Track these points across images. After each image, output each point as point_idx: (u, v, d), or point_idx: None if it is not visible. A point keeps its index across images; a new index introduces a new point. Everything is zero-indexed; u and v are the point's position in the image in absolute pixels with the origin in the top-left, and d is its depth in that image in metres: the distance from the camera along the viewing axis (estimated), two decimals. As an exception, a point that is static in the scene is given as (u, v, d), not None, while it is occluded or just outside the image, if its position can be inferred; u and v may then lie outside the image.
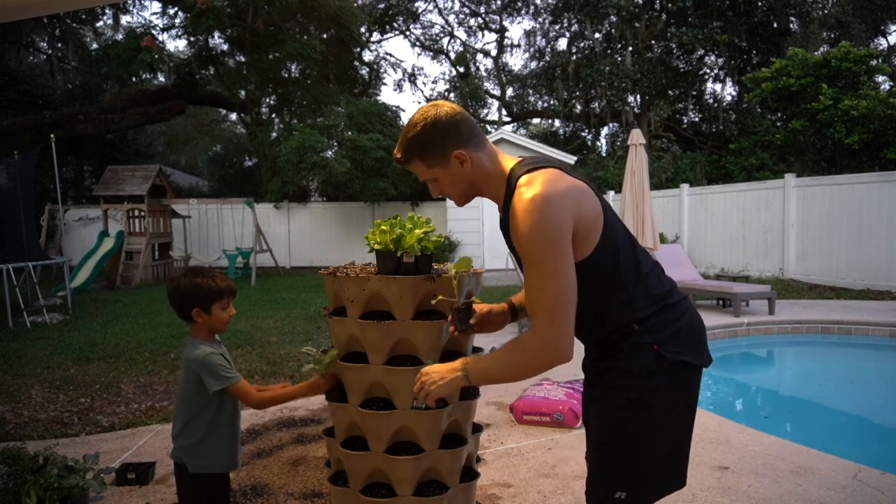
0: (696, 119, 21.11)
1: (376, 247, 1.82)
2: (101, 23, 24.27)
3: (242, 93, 18.14)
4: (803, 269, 10.17)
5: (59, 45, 24.66)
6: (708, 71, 20.12)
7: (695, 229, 12.60)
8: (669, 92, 19.17)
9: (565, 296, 1.41)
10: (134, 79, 13.64)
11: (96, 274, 12.27)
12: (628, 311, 1.50)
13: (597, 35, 20.12)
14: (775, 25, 17.97)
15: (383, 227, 1.82)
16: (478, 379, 1.50)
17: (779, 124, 15.46)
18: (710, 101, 20.86)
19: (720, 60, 19.57)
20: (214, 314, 1.97)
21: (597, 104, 20.23)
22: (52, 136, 8.93)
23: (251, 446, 3.47)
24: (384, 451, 1.87)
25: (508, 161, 1.56)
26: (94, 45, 22.48)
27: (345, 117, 15.56)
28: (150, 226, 13.63)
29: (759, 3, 17.51)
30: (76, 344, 6.45)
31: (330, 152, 14.82)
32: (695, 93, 19.97)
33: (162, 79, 20.63)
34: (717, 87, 21.30)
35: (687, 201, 12.74)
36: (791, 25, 18.40)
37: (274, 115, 19.86)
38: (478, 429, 2.14)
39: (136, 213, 13.74)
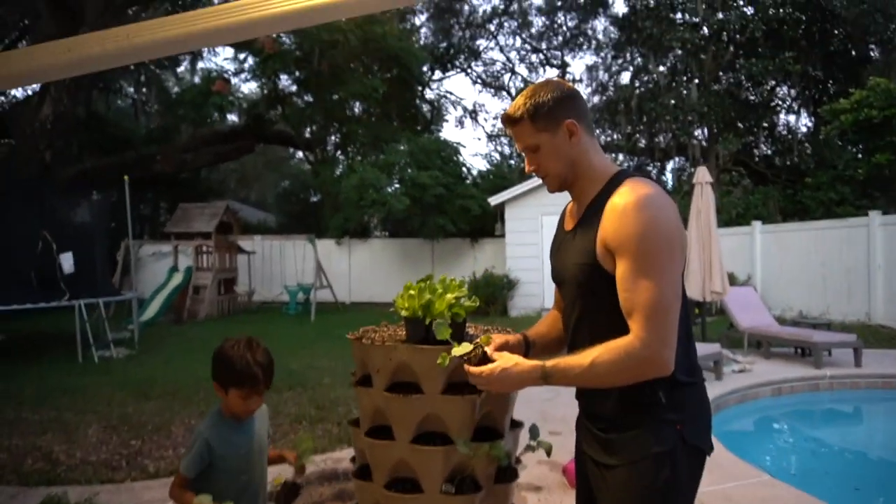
0: (769, 152, 20.22)
1: (404, 313, 1.68)
2: (181, 68, 25.82)
3: (308, 131, 18.75)
4: (893, 313, 9.35)
5: (144, 89, 26.41)
6: (780, 102, 19.32)
7: (768, 269, 11.89)
8: (739, 124, 18.48)
9: (672, 299, 1.32)
10: (207, 120, 14.30)
11: (165, 308, 12.70)
12: None
13: (661, 68, 19.74)
14: (853, 53, 17.11)
15: (411, 292, 1.68)
16: (558, 378, 1.38)
17: (860, 157, 14.56)
18: (784, 133, 19.97)
19: (793, 91, 18.76)
20: (231, 397, 1.88)
21: (661, 138, 19.74)
22: (125, 176, 9.35)
23: (290, 502, 3.35)
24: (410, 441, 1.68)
25: (609, 162, 1.53)
26: (176, 89, 23.94)
27: (406, 154, 15.76)
28: (217, 261, 14.07)
29: (836, 32, 16.75)
30: (137, 380, 6.60)
31: (389, 189, 14.99)
32: (766, 125, 19.17)
33: (235, 119, 21.65)
34: (791, 118, 20.39)
35: (759, 239, 12.08)
36: (871, 53, 17.48)
37: (338, 153, 20.38)
38: (516, 425, 1.91)
39: (204, 248, 14.24)
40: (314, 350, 8.50)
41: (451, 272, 16.19)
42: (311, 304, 13.78)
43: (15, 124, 14.92)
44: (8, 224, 8.21)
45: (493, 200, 13.97)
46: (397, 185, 15.36)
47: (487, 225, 15.99)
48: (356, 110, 19.43)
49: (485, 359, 1.48)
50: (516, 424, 1.91)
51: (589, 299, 1.47)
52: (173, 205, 20.77)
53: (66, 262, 8.18)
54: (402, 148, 16.19)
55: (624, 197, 1.35)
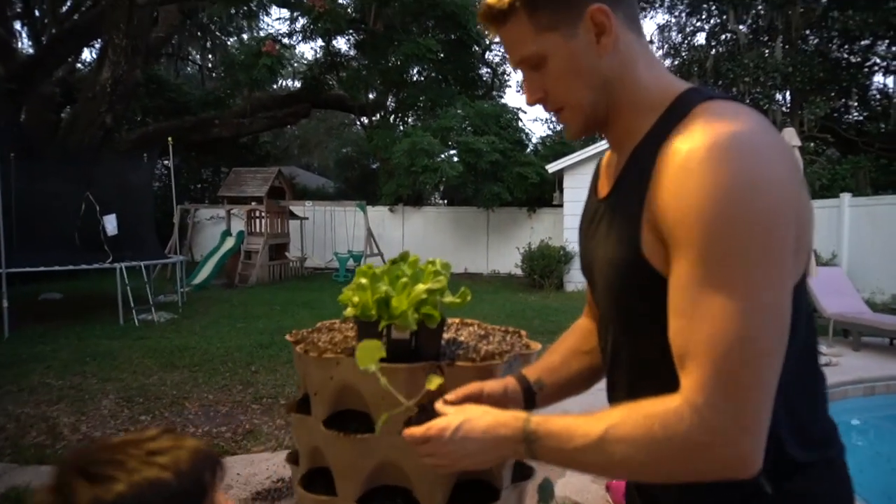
0: (860, 118, 18.35)
1: (350, 311, 1.16)
2: (245, 34, 25.89)
3: (370, 95, 18.32)
4: None
5: (210, 56, 26.77)
6: (878, 61, 17.40)
7: (857, 247, 10.69)
8: (827, 87, 16.77)
9: (769, 335, 0.72)
10: (258, 83, 14.06)
11: (217, 271, 12.73)
12: (771, 443, 0.73)
13: (741, 27, 18.12)
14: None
15: (362, 280, 1.15)
16: (549, 451, 0.83)
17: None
18: (878, 96, 18.05)
19: (894, 48, 16.84)
20: None
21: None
22: (169, 139, 9.18)
23: None
24: None
25: (672, 79, 0.91)
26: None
27: (461, 119, 15.12)
28: (268, 226, 13.97)
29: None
30: (168, 347, 6.42)
31: (443, 155, 14.42)
32: (857, 88, 17.34)
33: (292, 83, 21.49)
34: (889, 81, 18.38)
35: (848, 213, 10.86)
36: None
37: (393, 118, 19.91)
38: (527, 473, 1.35)
39: (257, 213, 14.16)
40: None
41: (505, 243, 15.71)
42: (360, 271, 13.52)
43: (79, 90, 15.21)
44: (54, 187, 8.18)
45: (552, 168, 13.22)
46: (452, 151, 14.80)
47: (546, 193, 15.24)
48: (413, 74, 18.83)
49: (430, 413, 0.93)
50: (523, 473, 1.35)
51: (629, 318, 0.90)
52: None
53: (110, 224, 8.10)
54: (458, 112, 15.54)
55: (693, 138, 0.76)
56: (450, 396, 0.96)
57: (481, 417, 0.86)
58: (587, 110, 0.90)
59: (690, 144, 0.76)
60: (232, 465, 3.45)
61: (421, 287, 1.13)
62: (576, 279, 12.74)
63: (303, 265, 15.37)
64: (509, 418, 0.85)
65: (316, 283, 13.63)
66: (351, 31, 16.25)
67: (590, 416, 0.80)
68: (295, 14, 15.68)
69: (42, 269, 7.54)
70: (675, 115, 0.82)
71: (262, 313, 8.72)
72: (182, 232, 16.12)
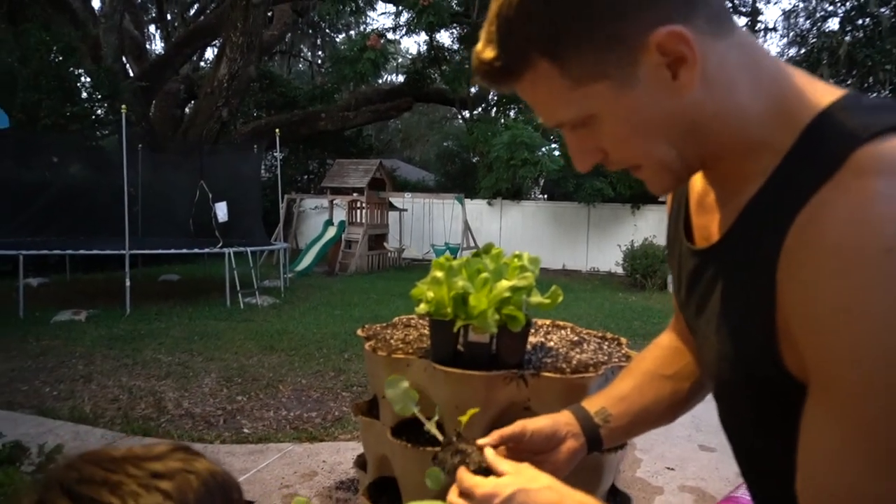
0: None
1: (424, 308, 1.03)
2: (353, 31, 26.73)
3: (471, 89, 18.28)
4: None
5: (319, 52, 27.95)
6: None
7: None
8: None
9: None
10: (363, 77, 14.39)
11: (319, 260, 13.18)
12: None
13: (883, 9, 16.33)
14: None
15: (437, 274, 1.01)
16: None
17: None
18: None
19: None
20: None
21: (877, 93, 16.46)
22: (277, 131, 9.55)
23: None
24: None
25: (795, 88, 0.60)
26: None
27: (563, 112, 14.72)
28: (368, 217, 14.29)
29: None
30: (270, 331, 6.66)
31: (544, 149, 14.10)
32: None
33: (395, 78, 21.89)
34: None
35: None
36: None
37: (494, 111, 19.76)
38: (623, 502, 1.18)
39: (357, 204, 14.52)
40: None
41: (607, 240, 15.17)
42: (456, 265, 13.54)
43: (199, 86, 16.30)
44: (173, 177, 8.75)
45: (659, 163, 12.55)
46: (554, 145, 14.44)
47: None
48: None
49: (462, 447, 0.77)
50: (618, 500, 1.18)
51: (762, 420, 0.67)
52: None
53: (221, 211, 8.54)
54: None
55: (855, 225, 0.51)
56: (484, 441, 0.79)
57: (541, 493, 0.69)
58: (673, 165, 0.63)
59: (853, 238, 0.50)
60: (319, 451, 3.47)
61: (504, 284, 0.98)
62: (681, 281, 12.06)
63: (401, 256, 15.61)
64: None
65: (413, 274, 13.77)
66: (454, 24, 16.25)
67: None
68: (399, 8, 15.91)
69: (160, 251, 8.07)
70: (813, 163, 0.55)
71: (358, 301, 8.89)
72: (287, 221, 16.89)
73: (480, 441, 0.78)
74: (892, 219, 0.49)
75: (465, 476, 0.73)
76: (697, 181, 0.74)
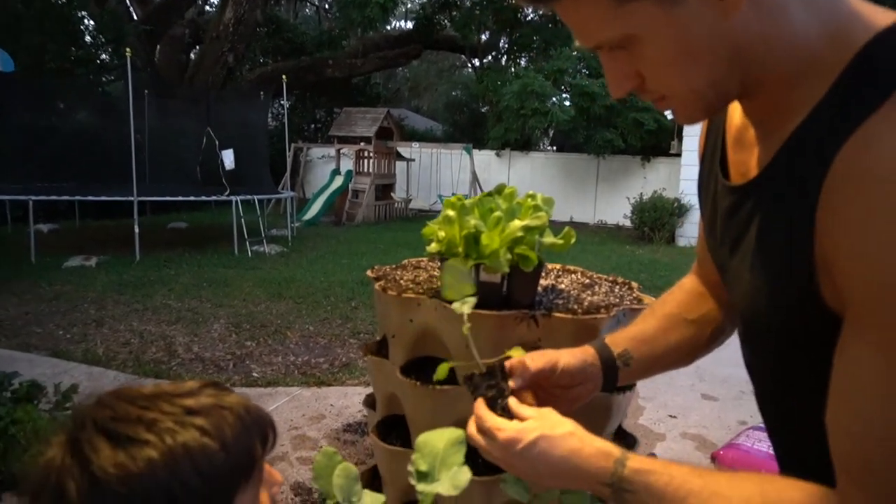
0: None
1: (435, 247, 1.02)
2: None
3: (482, 36, 17.85)
4: None
5: (327, -3, 27.14)
6: None
7: None
8: None
9: None
10: (371, 22, 14.03)
11: (326, 209, 13.17)
12: None
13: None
14: None
15: (449, 213, 1.00)
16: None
17: None
18: None
19: None
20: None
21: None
22: (284, 77, 9.39)
23: None
24: None
25: (851, 9, 0.57)
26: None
27: (576, 61, 14.35)
28: (376, 167, 14.19)
29: None
30: (278, 278, 6.70)
31: (554, 98, 13.83)
32: None
33: (410, 24, 21.35)
34: None
35: None
36: None
37: (505, 60, 19.33)
38: (628, 442, 1.19)
39: (365, 153, 14.39)
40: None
41: (615, 192, 15.04)
42: (463, 216, 13.50)
43: (205, 31, 15.95)
44: (180, 123, 8.66)
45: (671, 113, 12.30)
46: (565, 95, 14.16)
47: (662, 142, 14.28)
48: (528, 13, 18.04)
49: (495, 376, 0.76)
50: (627, 441, 1.18)
51: (793, 357, 0.66)
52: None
53: (227, 158, 8.49)
54: (573, 54, 14.75)
55: None
56: (516, 381, 0.77)
57: (564, 439, 0.68)
58: (708, 93, 0.61)
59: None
60: (326, 395, 3.54)
61: (517, 223, 0.96)
62: (688, 233, 11.99)
63: (407, 206, 15.56)
64: (598, 453, 0.66)
65: (420, 224, 13.56)
66: (465, -34, 15.72)
67: (708, 480, 0.60)
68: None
69: (168, 198, 8.06)
70: (865, 88, 0.52)
71: (365, 251, 8.92)
72: (294, 169, 16.79)
73: (511, 382, 0.77)
74: None
75: (487, 416, 0.73)
76: (736, 116, 0.71)
